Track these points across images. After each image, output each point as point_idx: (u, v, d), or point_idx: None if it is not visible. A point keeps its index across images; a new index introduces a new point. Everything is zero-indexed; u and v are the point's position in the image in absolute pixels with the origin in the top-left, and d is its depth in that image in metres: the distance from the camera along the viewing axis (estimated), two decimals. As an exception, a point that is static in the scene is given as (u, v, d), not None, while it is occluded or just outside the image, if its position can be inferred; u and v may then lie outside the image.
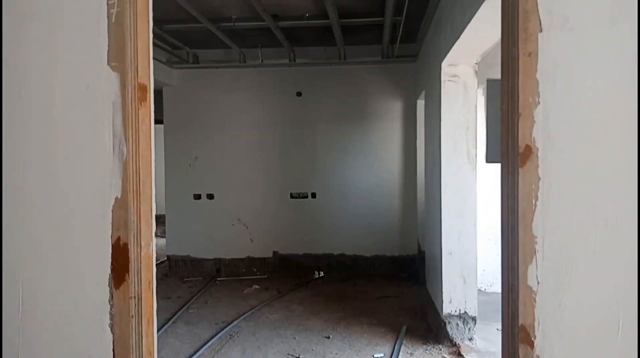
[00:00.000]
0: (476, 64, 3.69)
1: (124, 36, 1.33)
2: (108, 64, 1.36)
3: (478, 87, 3.84)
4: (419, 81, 5.97)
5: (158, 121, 7.44)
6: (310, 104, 6.73)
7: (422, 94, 5.49)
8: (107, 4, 1.32)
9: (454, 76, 3.79)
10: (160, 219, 6.51)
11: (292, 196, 6.82)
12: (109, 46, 1.34)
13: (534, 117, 1.14)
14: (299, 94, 6.76)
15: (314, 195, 6.77)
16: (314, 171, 6.80)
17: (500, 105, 1.21)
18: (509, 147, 1.19)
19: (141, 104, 1.39)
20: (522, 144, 1.16)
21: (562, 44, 1.08)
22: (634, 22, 1.07)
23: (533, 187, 1.18)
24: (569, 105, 1.12)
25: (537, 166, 1.17)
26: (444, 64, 3.82)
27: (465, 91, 3.79)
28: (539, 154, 1.16)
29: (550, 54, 1.09)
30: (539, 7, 1.08)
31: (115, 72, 1.36)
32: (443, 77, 3.83)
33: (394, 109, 6.59)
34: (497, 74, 3.83)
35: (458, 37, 3.11)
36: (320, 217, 6.78)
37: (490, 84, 4.05)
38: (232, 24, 5.21)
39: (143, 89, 1.40)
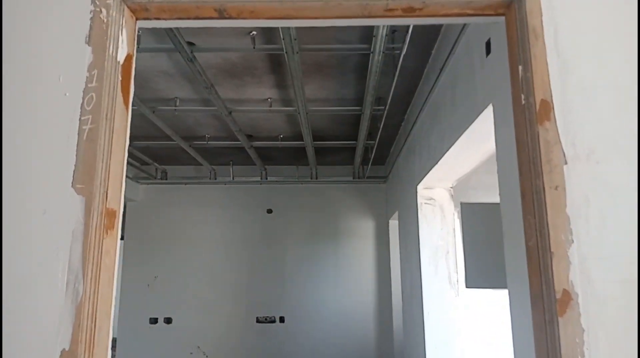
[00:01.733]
0: (452, 187, 3.77)
1: (95, 155, 1.16)
2: (72, 185, 1.17)
3: (455, 210, 3.89)
4: (390, 202, 6.03)
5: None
6: (280, 222, 6.61)
7: (395, 215, 5.51)
8: (80, 119, 1.18)
9: (430, 198, 3.82)
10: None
11: (258, 321, 6.34)
12: (75, 165, 1.16)
13: (569, 257, 1.01)
14: (269, 211, 6.67)
15: (282, 319, 6.32)
16: (283, 293, 6.43)
17: (525, 242, 1.09)
18: (542, 291, 1.04)
19: (107, 233, 1.17)
20: (558, 288, 1.01)
21: (590, 177, 1.02)
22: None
23: (577, 341, 1.00)
24: (606, 244, 1.02)
25: (579, 314, 1.01)
26: (419, 187, 3.85)
27: (442, 214, 3.77)
28: (580, 300, 1.01)
29: (578, 187, 1.01)
30: (561, 138, 1.03)
31: (79, 195, 1.16)
32: (419, 199, 3.83)
33: (366, 228, 6.54)
34: (469, 198, 3.93)
35: (435, 163, 3.14)
36: (289, 344, 6.24)
37: (465, 208, 4.11)
38: (205, 142, 5.24)
39: (111, 215, 1.19)
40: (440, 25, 2.87)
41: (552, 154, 1.04)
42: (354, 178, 6.48)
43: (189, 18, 1.14)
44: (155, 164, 6.30)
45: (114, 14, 1.10)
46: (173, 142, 5.05)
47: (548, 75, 1.09)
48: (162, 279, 6.35)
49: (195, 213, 6.63)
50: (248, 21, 1.16)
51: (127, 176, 5.72)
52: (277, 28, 2.60)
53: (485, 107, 2.08)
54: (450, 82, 2.79)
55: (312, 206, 6.62)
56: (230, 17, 1.13)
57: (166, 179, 6.63)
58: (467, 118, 2.39)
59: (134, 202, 6.57)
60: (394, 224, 6.06)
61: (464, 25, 2.36)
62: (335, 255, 6.48)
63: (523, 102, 1.11)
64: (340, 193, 6.64)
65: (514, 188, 1.62)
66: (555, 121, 1.07)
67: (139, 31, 1.24)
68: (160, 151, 5.85)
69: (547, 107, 1.08)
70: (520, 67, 1.13)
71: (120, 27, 1.07)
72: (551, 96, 1.09)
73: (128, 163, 5.11)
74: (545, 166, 1.03)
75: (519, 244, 1.51)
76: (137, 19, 1.14)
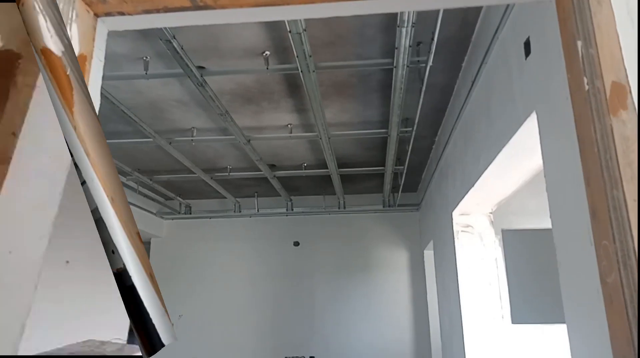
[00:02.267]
0: (491, 213, 3.40)
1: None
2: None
3: (495, 237, 3.50)
4: (424, 231, 5.66)
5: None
6: (308, 255, 6.31)
7: (430, 244, 5.13)
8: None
9: (468, 226, 3.45)
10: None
11: (287, 361, 6.07)
12: None
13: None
14: (296, 243, 6.41)
15: (312, 359, 6.04)
16: (313, 330, 6.03)
17: (601, 276, 0.79)
18: (634, 344, 0.72)
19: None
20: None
21: None
22: None
23: None
24: None
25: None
26: (455, 214, 3.50)
27: (482, 242, 3.37)
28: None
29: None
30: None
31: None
32: (455, 227, 3.48)
33: (399, 259, 6.15)
34: (511, 224, 3.52)
35: (471, 186, 2.82)
36: (319, 388, 5.87)
37: (508, 236, 3.70)
38: (227, 174, 5.10)
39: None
40: (470, 34, 2.63)
41: (633, 155, 0.75)
42: (384, 207, 6.16)
43: (157, 11, 0.95)
44: (179, 198, 6.20)
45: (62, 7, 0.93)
46: (194, 175, 4.94)
47: (620, 49, 0.81)
48: (186, 318, 6.07)
49: (220, 248, 6.44)
50: (228, 11, 0.95)
51: (150, 212, 5.63)
52: (291, 46, 2.43)
53: (527, 117, 1.79)
54: (485, 95, 2.51)
55: (341, 237, 6.30)
56: (206, 7, 0.93)
57: (190, 213, 6.52)
58: (505, 132, 2.11)
59: (158, 238, 6.48)
60: (429, 254, 5.64)
61: (497, 27, 2.11)
62: (367, 289, 6.07)
63: (586, 87, 0.83)
64: (370, 223, 6.30)
65: (571, 208, 1.32)
66: (635, 109, 0.79)
67: (111, 34, 1.07)
68: (183, 184, 5.72)
69: (621, 91, 0.79)
70: (579, 44, 0.85)
71: (70, 22, 0.89)
72: (626, 77, 0.81)
73: (151, 198, 4.97)
74: (625, 171, 0.74)
75: (583, 276, 1.20)
76: (96, 16, 0.96)
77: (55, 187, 0.83)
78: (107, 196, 0.67)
